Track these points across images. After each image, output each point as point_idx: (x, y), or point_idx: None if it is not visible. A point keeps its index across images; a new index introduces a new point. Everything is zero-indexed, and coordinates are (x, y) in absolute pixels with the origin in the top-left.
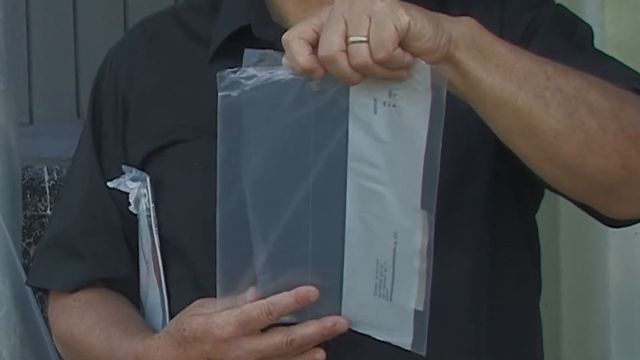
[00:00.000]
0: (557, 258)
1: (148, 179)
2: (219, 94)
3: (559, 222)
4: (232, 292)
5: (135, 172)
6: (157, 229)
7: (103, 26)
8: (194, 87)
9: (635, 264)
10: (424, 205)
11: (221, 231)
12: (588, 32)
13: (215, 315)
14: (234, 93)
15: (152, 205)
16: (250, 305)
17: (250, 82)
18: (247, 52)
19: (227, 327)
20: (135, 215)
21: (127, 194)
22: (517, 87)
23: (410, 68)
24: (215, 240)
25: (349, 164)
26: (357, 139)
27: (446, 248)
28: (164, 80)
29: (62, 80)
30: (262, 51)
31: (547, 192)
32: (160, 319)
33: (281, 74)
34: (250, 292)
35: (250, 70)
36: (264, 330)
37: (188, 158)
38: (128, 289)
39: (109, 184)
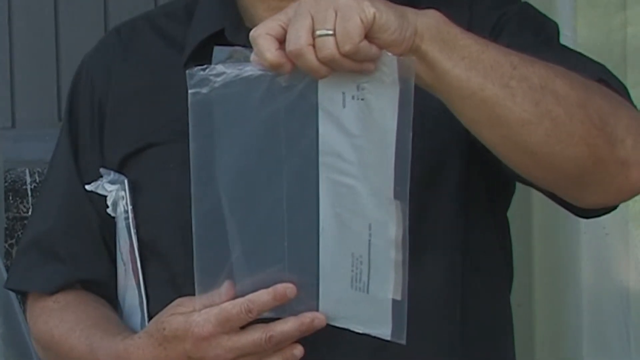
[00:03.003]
0: (530, 258)
1: (126, 181)
2: (189, 91)
3: (532, 222)
4: (210, 291)
5: (113, 175)
6: (135, 230)
7: (84, 32)
8: (168, 91)
9: (606, 264)
10: (397, 195)
11: (197, 230)
12: (554, 28)
13: (194, 314)
14: (204, 90)
15: (130, 207)
16: (229, 303)
17: (219, 79)
18: (217, 49)
19: (206, 326)
20: (113, 218)
21: (105, 197)
22: (483, 77)
23: (377, 61)
24: (193, 241)
25: (321, 159)
26: (327, 133)
27: (418, 245)
28: (140, 84)
29: (44, 85)
30: (231, 48)
31: (519, 192)
32: (138, 320)
33: (250, 70)
34: (225, 286)
35: (220, 67)
36: (242, 327)
37: (164, 160)
38: (106, 291)
39: (87, 187)
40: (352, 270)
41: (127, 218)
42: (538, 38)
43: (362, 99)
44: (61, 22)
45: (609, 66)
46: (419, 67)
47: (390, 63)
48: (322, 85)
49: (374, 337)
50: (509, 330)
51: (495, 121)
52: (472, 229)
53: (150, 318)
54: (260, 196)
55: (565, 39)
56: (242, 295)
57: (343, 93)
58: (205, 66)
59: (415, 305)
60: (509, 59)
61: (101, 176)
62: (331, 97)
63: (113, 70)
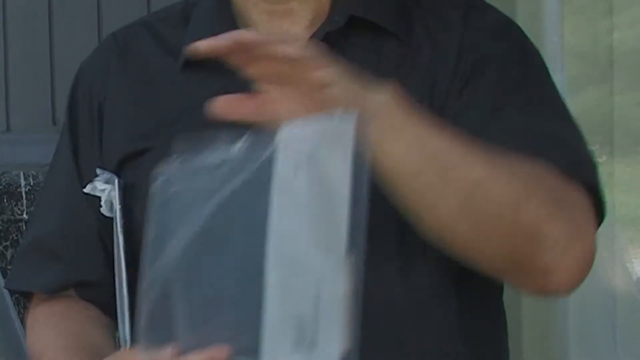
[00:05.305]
0: None
1: (116, 181)
2: (150, 192)
3: None
4: (152, 345)
5: (106, 174)
6: (122, 229)
7: (78, 37)
8: (165, 96)
9: (593, 266)
10: (351, 249)
11: (142, 292)
12: (542, 69)
13: None
14: (165, 192)
15: (119, 206)
16: None
17: (180, 174)
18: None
19: None
20: (110, 218)
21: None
22: (422, 165)
23: (334, 122)
24: None
25: (270, 226)
26: (279, 196)
27: (408, 254)
28: (136, 88)
29: (38, 89)
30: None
31: None
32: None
33: (208, 156)
34: (169, 351)
35: (177, 165)
36: None
37: (159, 165)
38: (103, 294)
39: (84, 190)
40: (298, 331)
41: (115, 218)
42: (519, 96)
43: (316, 161)
44: (55, 26)
45: (596, 72)
46: None
47: (347, 121)
48: (278, 157)
49: None
50: (503, 333)
51: (422, 211)
52: None
53: (131, 325)
54: (209, 261)
55: (552, 45)
56: (184, 352)
57: (295, 160)
58: (165, 165)
59: (414, 313)
60: (453, 152)
61: (97, 176)
62: (285, 165)
63: (111, 72)
